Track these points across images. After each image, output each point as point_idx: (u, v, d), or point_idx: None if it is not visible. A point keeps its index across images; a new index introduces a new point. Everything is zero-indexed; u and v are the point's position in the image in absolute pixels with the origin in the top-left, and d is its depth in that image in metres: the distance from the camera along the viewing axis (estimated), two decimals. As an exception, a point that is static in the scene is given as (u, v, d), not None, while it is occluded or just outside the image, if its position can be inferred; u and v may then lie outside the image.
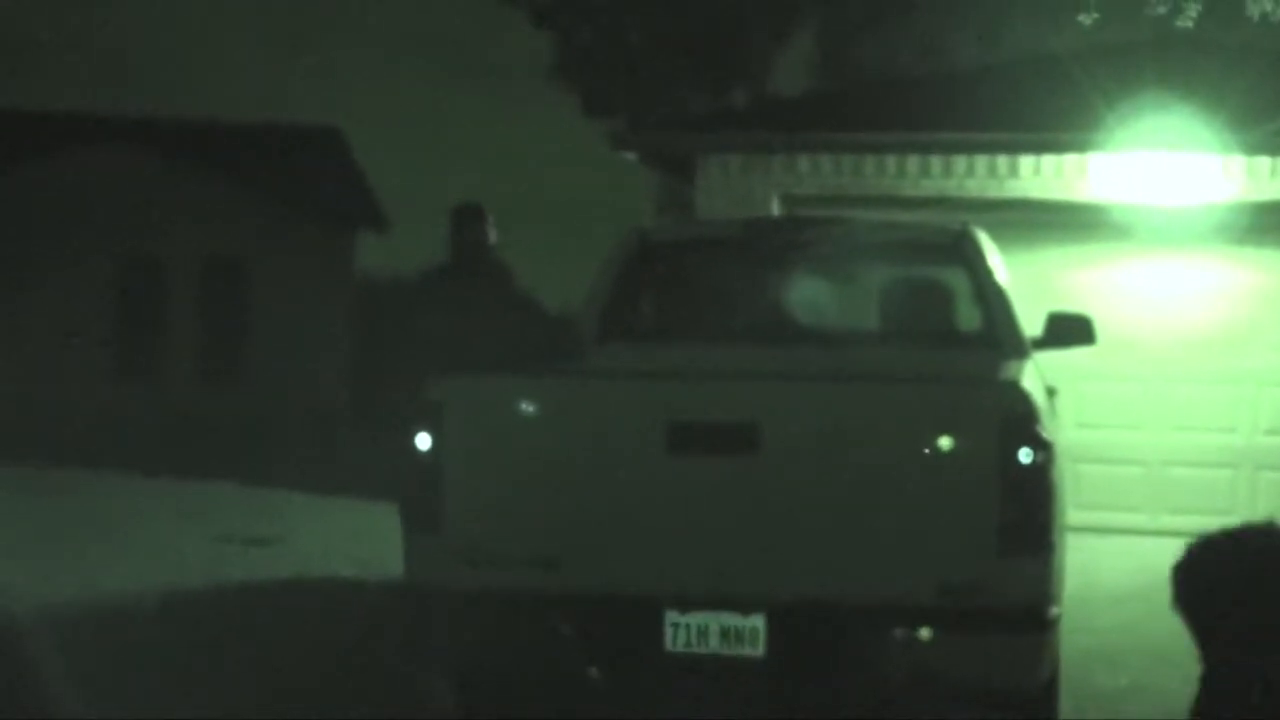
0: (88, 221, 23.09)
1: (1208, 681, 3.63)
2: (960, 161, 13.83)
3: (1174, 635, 9.73)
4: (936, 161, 13.88)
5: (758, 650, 5.91)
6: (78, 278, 23.34)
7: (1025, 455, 5.68)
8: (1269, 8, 18.13)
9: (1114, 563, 12.03)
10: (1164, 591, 11.18)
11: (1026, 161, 13.73)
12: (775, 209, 14.00)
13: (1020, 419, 5.72)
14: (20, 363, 22.84)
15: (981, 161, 13.79)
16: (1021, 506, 5.69)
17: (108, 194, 23.16)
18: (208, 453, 18.51)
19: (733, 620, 5.93)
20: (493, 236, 9.07)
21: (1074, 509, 12.40)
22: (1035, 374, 6.97)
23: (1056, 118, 13.75)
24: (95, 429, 20.69)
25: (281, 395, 23.95)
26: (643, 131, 17.20)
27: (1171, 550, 12.56)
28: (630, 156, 15.60)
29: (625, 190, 24.61)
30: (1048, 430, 5.83)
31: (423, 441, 6.08)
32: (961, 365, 7.17)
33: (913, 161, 13.93)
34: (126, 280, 23.94)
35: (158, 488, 15.67)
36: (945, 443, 5.77)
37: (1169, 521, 13.70)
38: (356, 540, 11.92)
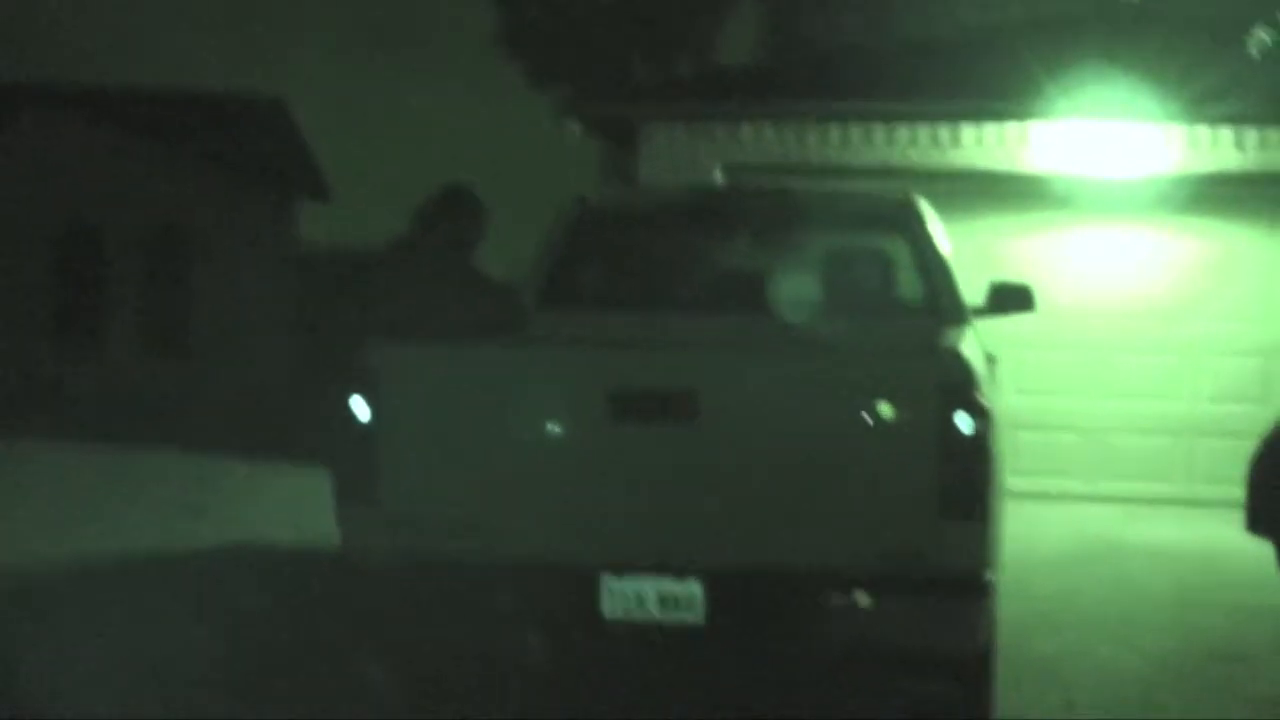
0: (28, 191, 22.86)
1: None
2: (903, 131, 13.84)
3: (1110, 601, 9.85)
4: (879, 131, 13.88)
5: (696, 616, 5.89)
6: (18, 248, 23.12)
7: (964, 422, 5.67)
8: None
9: (1053, 529, 12.11)
10: (1101, 557, 11.26)
11: (969, 131, 13.74)
12: (719, 178, 13.98)
13: (959, 386, 5.72)
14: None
15: (924, 131, 13.81)
16: (960, 473, 5.69)
17: (48, 163, 22.94)
18: (150, 421, 18.40)
19: (671, 586, 5.91)
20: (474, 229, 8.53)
21: (1013, 476, 12.45)
22: (975, 342, 6.98)
23: (999, 87, 13.77)
24: (36, 398, 20.53)
25: (224, 364, 23.83)
26: (587, 101, 17.11)
27: (1109, 517, 12.61)
28: (575, 126, 15.54)
29: (571, 161, 24.53)
30: (987, 398, 5.83)
31: (357, 409, 6.03)
32: (902, 333, 7.17)
33: (855, 131, 13.93)
34: (68, 250, 23.73)
35: (99, 457, 15.56)
36: (885, 410, 5.76)
37: (1108, 488, 13.83)
38: (297, 508, 11.86)
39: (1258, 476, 9.38)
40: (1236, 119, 13.31)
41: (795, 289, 8.31)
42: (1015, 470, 12.72)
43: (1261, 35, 13.38)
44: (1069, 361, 14.05)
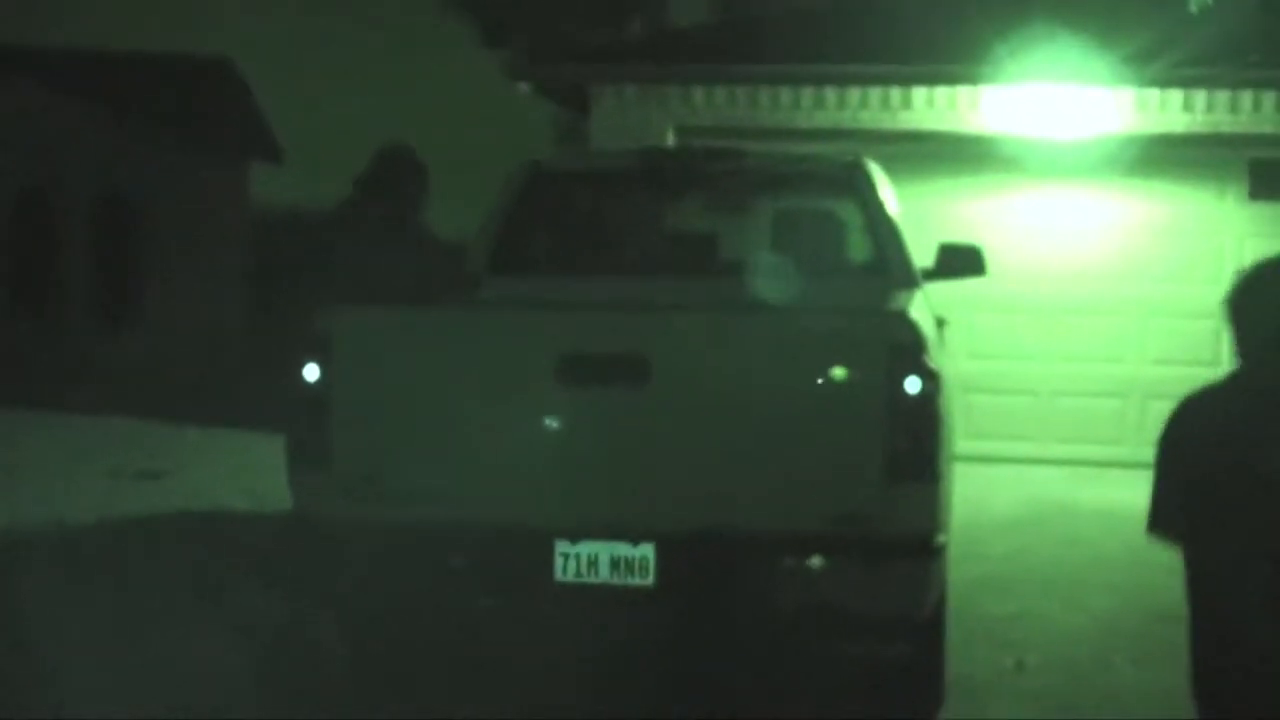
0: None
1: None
2: (854, 93, 13.85)
3: (1060, 562, 9.91)
4: (830, 93, 13.90)
5: (648, 580, 5.91)
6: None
7: (912, 385, 5.69)
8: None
9: (1003, 491, 12.19)
10: (1051, 519, 11.32)
11: (919, 93, 13.76)
12: (670, 141, 13.98)
13: (907, 348, 5.74)
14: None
15: (875, 93, 13.82)
16: (908, 436, 5.71)
17: (-8, 127, 22.73)
18: (102, 390, 18.31)
19: (623, 550, 5.92)
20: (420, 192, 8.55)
21: (964, 438, 12.57)
22: (924, 304, 7.01)
23: (949, 50, 13.80)
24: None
25: (177, 331, 23.71)
26: (538, 63, 17.04)
27: (1060, 479, 12.66)
28: (525, 88, 15.49)
29: (523, 123, 24.45)
30: (935, 360, 5.86)
31: (310, 373, 6.03)
32: (851, 295, 7.19)
33: (807, 94, 13.93)
34: (14, 217, 23.54)
35: (50, 425, 15.47)
36: (833, 372, 5.78)
37: (1058, 450, 13.92)
38: (250, 473, 11.84)
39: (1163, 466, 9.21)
40: (1185, 81, 13.37)
41: (745, 251, 8.34)
42: (967, 433, 12.82)
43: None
44: (1019, 325, 14.12)
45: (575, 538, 5.94)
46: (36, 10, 28.17)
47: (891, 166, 9.11)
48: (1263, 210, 13.91)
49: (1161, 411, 4.36)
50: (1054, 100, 13.57)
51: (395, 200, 8.38)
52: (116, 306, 23.86)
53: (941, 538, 5.95)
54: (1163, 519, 4.19)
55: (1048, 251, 14.08)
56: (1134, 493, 12.88)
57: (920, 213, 11.14)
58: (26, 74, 23.07)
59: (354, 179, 8.49)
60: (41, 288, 23.25)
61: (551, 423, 5.98)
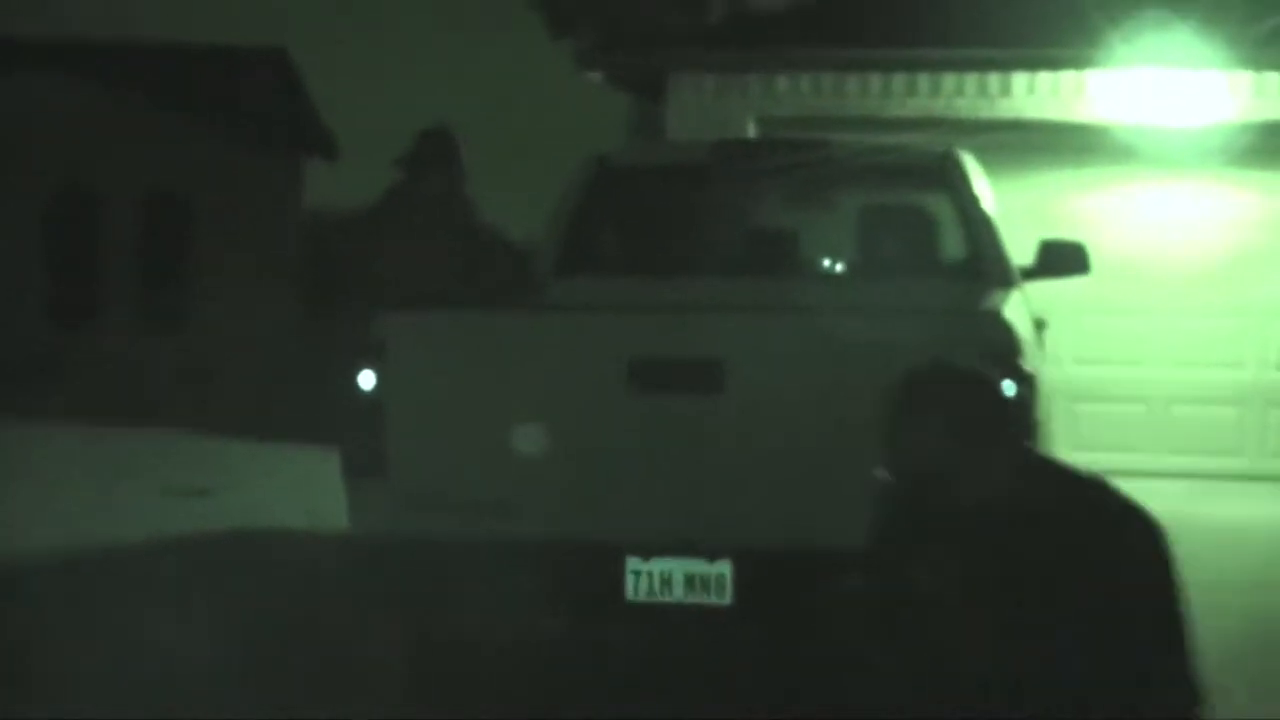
0: (16, 153, 22.95)
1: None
2: (949, 80, 13.82)
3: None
4: (923, 80, 13.88)
5: (724, 599, 5.95)
6: (7, 214, 23.23)
7: (1006, 389, 5.70)
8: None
9: (1113, 507, 12.08)
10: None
11: (1020, 79, 13.72)
12: (751, 132, 13.99)
13: (1000, 352, 5.74)
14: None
15: (971, 80, 13.79)
16: (1001, 444, 5.71)
17: (38, 123, 23.02)
18: (148, 399, 18.50)
19: (698, 567, 5.96)
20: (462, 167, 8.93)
21: (1072, 450, 12.49)
22: (1021, 304, 7.01)
23: (1052, 32, 13.72)
24: (28, 375, 20.64)
25: (227, 336, 23.91)
26: (611, 51, 17.09)
27: (1175, 493, 12.57)
28: (597, 78, 15.55)
29: (595, 115, 24.53)
30: (1031, 364, 5.87)
31: (364, 380, 6.10)
32: (941, 295, 7.20)
33: (898, 80, 13.92)
34: (59, 216, 23.83)
35: (96, 437, 15.66)
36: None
37: (1173, 463, 13.79)
38: (304, 488, 11.93)
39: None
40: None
41: (829, 250, 8.36)
42: (1073, 445, 12.76)
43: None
44: (1130, 327, 14.01)
45: (648, 554, 5.98)
46: (86, 4, 28.51)
47: (988, 158, 9.11)
48: (1395, 203, 13.80)
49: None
50: (1165, 86, 13.49)
51: (441, 178, 8.59)
52: (162, 310, 24.08)
53: (1037, 553, 5.95)
54: None
55: (1160, 249, 13.98)
56: (1255, 508, 12.83)
57: (1019, 208, 11.12)
58: (74, 67, 23.37)
59: (395, 160, 8.69)
60: (86, 292, 23.53)
61: (621, 432, 6.02)
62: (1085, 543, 4.03)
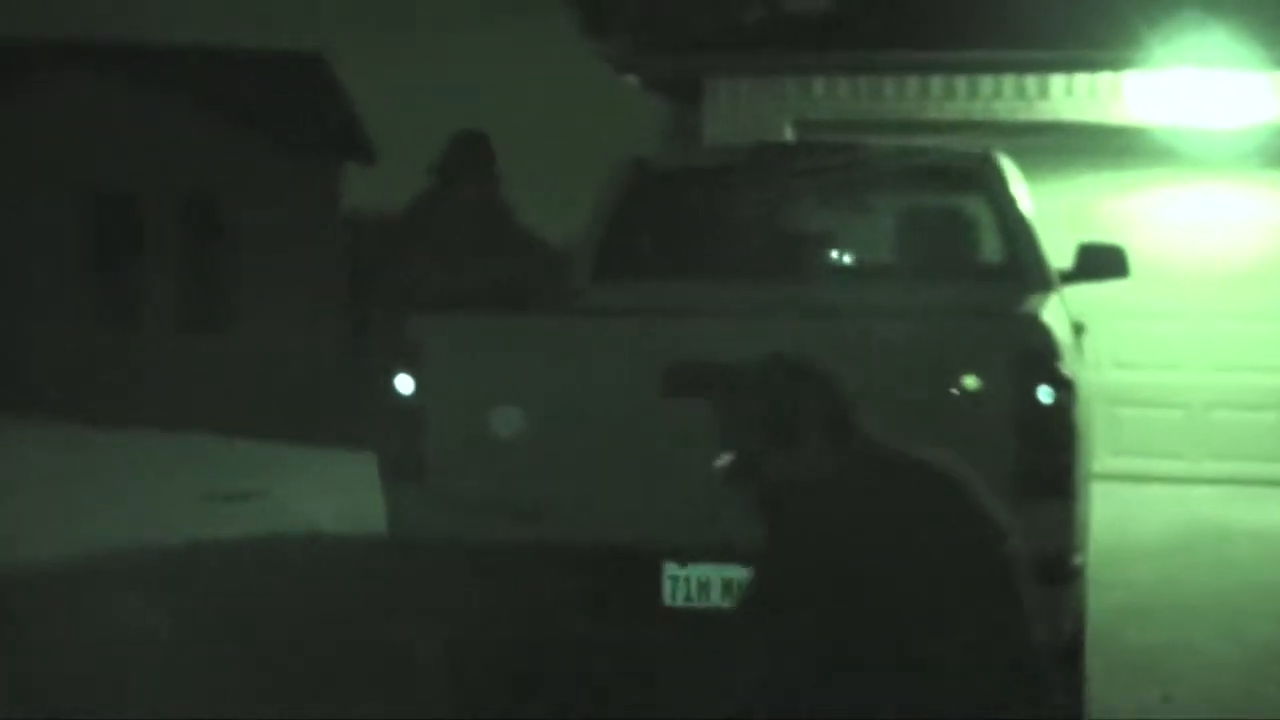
0: (55, 156, 23.04)
1: None
2: (987, 82, 13.79)
3: (1212, 589, 9.83)
4: (961, 82, 13.85)
5: (762, 604, 5.92)
6: (46, 217, 23.32)
7: (1044, 394, 5.67)
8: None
9: (1151, 513, 12.06)
10: (1203, 543, 11.19)
11: (1058, 81, 13.69)
12: (788, 135, 13.98)
13: (1039, 355, 5.71)
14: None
15: (1009, 82, 13.76)
16: (1040, 449, 5.69)
17: (76, 126, 23.10)
18: (188, 403, 18.57)
19: (736, 573, 5.94)
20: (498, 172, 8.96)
21: (1110, 455, 12.48)
22: (1060, 308, 6.97)
23: (1090, 34, 13.68)
24: (68, 378, 20.73)
25: (266, 340, 23.96)
26: (646, 52, 17.10)
27: (1214, 499, 12.50)
28: (633, 80, 15.56)
29: (631, 118, 24.52)
30: (1070, 368, 5.83)
31: (402, 385, 6.10)
32: (979, 298, 7.16)
33: (936, 83, 13.90)
34: (98, 219, 23.92)
35: (135, 441, 15.73)
36: (960, 381, 5.77)
37: (1212, 468, 13.74)
38: (344, 493, 11.96)
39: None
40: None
41: (866, 253, 8.34)
42: (1112, 449, 12.73)
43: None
44: (1170, 332, 13.95)
45: (685, 560, 5.97)
46: (124, 6, 28.62)
47: (1026, 160, 9.07)
48: None
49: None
50: (1203, 87, 13.43)
51: (474, 183, 8.60)
52: (203, 314, 24.16)
53: (1078, 559, 5.92)
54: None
55: (1199, 252, 13.91)
56: (1295, 513, 12.65)
57: (1058, 210, 11.08)
58: (112, 71, 23.46)
59: (429, 167, 8.70)
60: (125, 295, 23.62)
61: (659, 436, 6.00)
62: (892, 512, 4.20)
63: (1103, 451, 10.99)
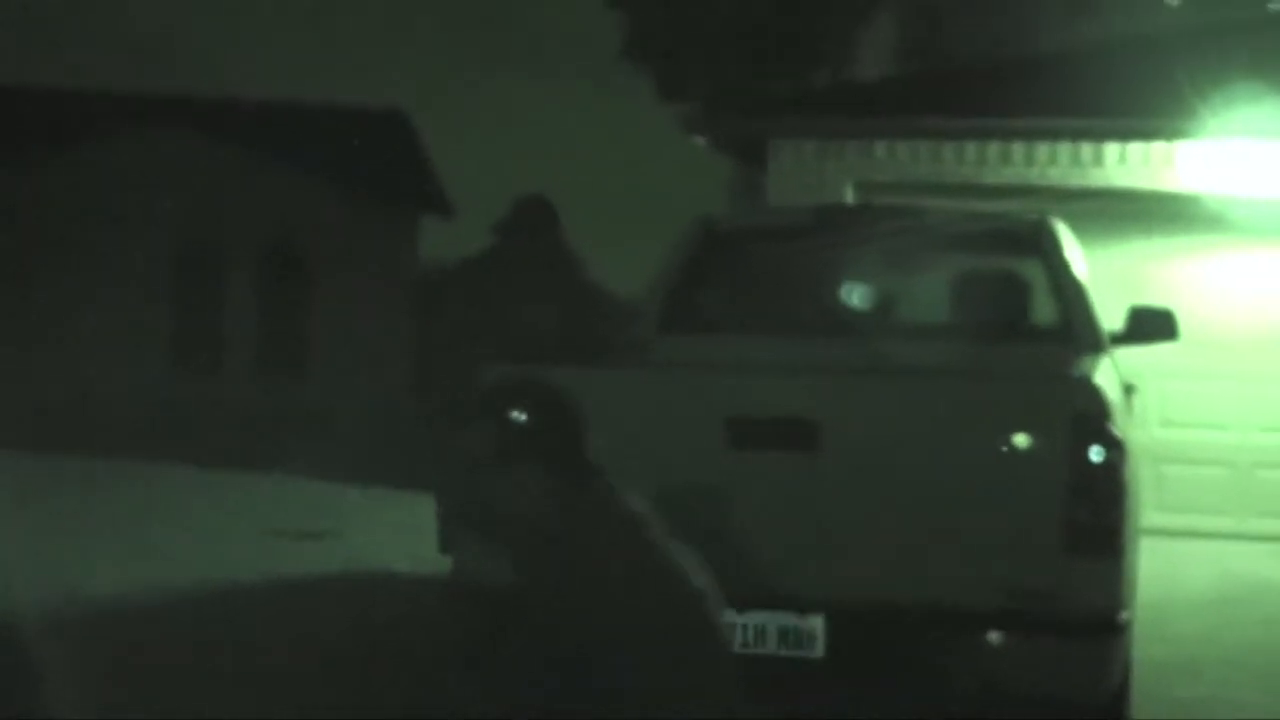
0: (144, 207, 23.26)
1: None
2: (1042, 149, 13.76)
3: (1257, 644, 9.73)
4: (1018, 149, 13.82)
5: (817, 652, 5.91)
6: (134, 265, 23.51)
7: (1096, 454, 5.65)
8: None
9: (1196, 569, 11.96)
10: (1248, 598, 11.10)
11: (1111, 149, 13.64)
12: (850, 197, 13.97)
13: (1091, 416, 5.70)
14: (77, 352, 23.03)
15: (1064, 149, 13.72)
16: (1091, 507, 5.67)
17: (165, 179, 23.32)
18: (266, 444, 18.65)
19: (791, 621, 5.93)
20: (561, 235, 9.04)
21: (1157, 512, 12.38)
22: (1111, 370, 6.94)
23: (1143, 103, 13.65)
24: (152, 419, 20.86)
25: (343, 386, 24.07)
26: (715, 115, 17.14)
27: (1258, 556, 12.41)
28: (701, 141, 15.60)
29: (698, 177, 24.59)
30: (1121, 428, 5.80)
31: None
32: (1034, 360, 7.14)
33: (993, 149, 13.87)
34: (185, 268, 24.11)
35: (213, 480, 15.81)
36: (1013, 440, 5.75)
37: (1256, 526, 13.62)
38: (413, 534, 11.97)
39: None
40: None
41: (924, 313, 8.31)
42: (1158, 506, 12.62)
43: None
44: (1216, 392, 13.86)
45: (743, 607, 5.96)
46: (212, 64, 28.89)
47: (1080, 226, 9.03)
48: None
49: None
50: (1254, 156, 13.37)
51: (535, 244, 8.67)
52: (282, 360, 24.29)
53: (1125, 615, 5.88)
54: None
55: (1246, 316, 13.84)
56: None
57: (1109, 274, 11.02)
58: (199, 126, 23.68)
59: (493, 226, 8.77)
60: (207, 339, 23.78)
61: (719, 487, 6.00)
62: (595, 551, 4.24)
63: (1149, 507, 10.90)
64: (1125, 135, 13.56)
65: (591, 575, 4.16)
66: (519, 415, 4.29)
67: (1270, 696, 8.36)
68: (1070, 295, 7.91)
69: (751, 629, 5.96)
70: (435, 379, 8.97)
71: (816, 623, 5.91)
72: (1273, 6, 18.71)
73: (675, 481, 6.03)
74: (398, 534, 12.37)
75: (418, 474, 13.43)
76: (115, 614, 9.36)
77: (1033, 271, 8.21)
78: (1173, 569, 11.31)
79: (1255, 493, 13.80)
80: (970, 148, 13.91)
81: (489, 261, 9.09)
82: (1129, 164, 13.64)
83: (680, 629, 4.21)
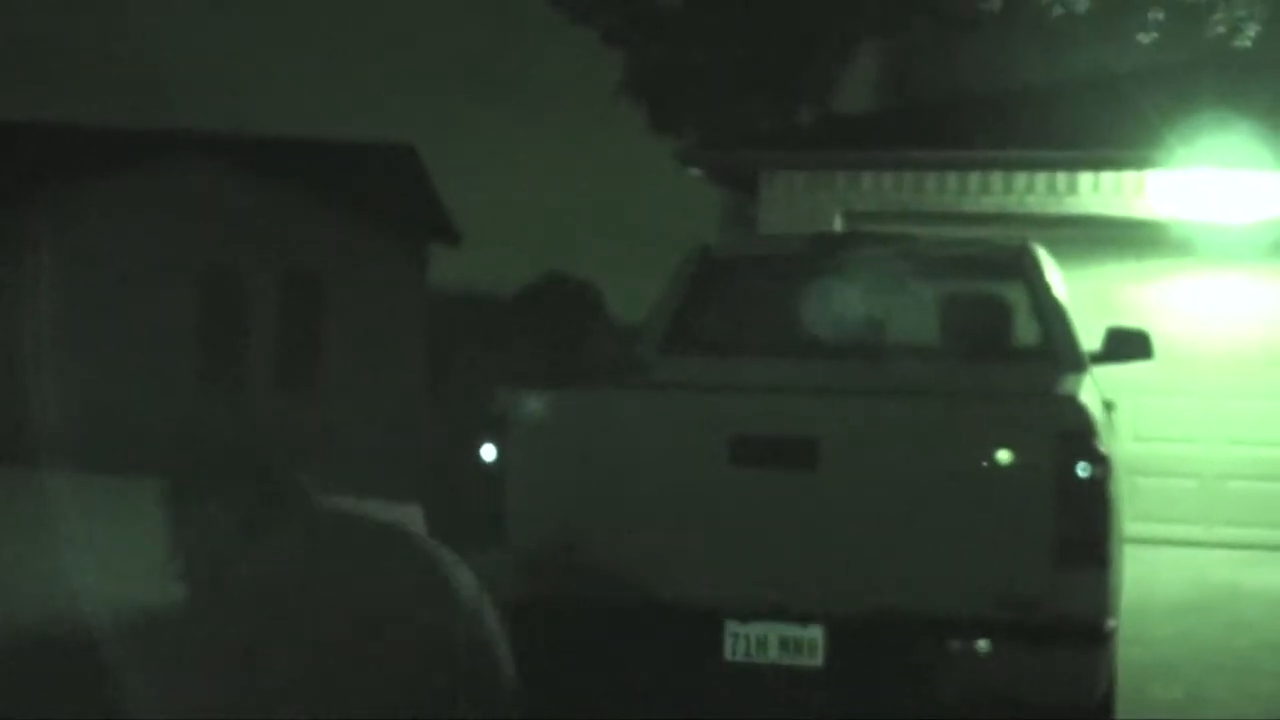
0: (169, 236, 23.23)
1: None
2: (1020, 178, 13.72)
3: (1229, 646, 9.66)
4: (997, 178, 13.78)
5: (816, 661, 5.86)
6: (159, 290, 23.47)
7: (1082, 469, 5.60)
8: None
9: (1170, 574, 11.91)
10: (1218, 603, 11.05)
11: (1086, 178, 13.60)
12: (838, 225, 13.94)
13: (1077, 433, 5.66)
14: (103, 374, 22.97)
15: (1041, 178, 13.68)
16: (1079, 520, 5.62)
17: (188, 209, 23.29)
18: (284, 459, 18.52)
19: (792, 631, 5.88)
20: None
21: (1131, 521, 12.20)
22: (1093, 388, 6.91)
23: (1116, 135, 13.63)
24: (174, 439, 20.77)
25: (356, 407, 24.00)
26: (709, 148, 17.14)
27: (1228, 562, 12.37)
28: (696, 173, 15.56)
29: (691, 206, 24.56)
30: (1105, 444, 5.75)
31: (487, 453, 6.06)
32: (1020, 380, 7.10)
33: (974, 178, 13.83)
34: (206, 293, 24.07)
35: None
36: (1003, 457, 5.70)
37: (1225, 534, 13.59)
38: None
39: None
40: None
41: (914, 336, 8.26)
42: (1133, 515, 12.53)
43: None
44: (1187, 408, 13.83)
45: (745, 618, 5.90)
46: (231, 99, 28.88)
47: (1057, 251, 8.99)
48: None
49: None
50: (1221, 185, 13.33)
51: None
52: (298, 381, 24.25)
53: (1111, 622, 5.83)
54: None
55: (1214, 335, 13.80)
56: (1303, 578, 12.46)
57: (1084, 296, 10.96)
58: (220, 159, 23.69)
59: (517, 297, 8.73)
60: (227, 361, 23.73)
61: (723, 503, 5.95)
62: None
63: (1125, 518, 10.85)
64: (1098, 165, 13.52)
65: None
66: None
67: (1242, 696, 8.31)
68: (1052, 316, 7.88)
69: (753, 639, 5.92)
70: (453, 403, 8.89)
71: (816, 632, 5.85)
72: (1236, 44, 18.70)
73: (680, 497, 6.00)
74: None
75: (429, 492, 13.37)
76: (130, 628, 9.29)
77: (1016, 295, 8.18)
78: (1148, 575, 11.24)
79: (1224, 503, 13.76)
80: (952, 178, 13.88)
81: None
82: (1102, 192, 13.60)
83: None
